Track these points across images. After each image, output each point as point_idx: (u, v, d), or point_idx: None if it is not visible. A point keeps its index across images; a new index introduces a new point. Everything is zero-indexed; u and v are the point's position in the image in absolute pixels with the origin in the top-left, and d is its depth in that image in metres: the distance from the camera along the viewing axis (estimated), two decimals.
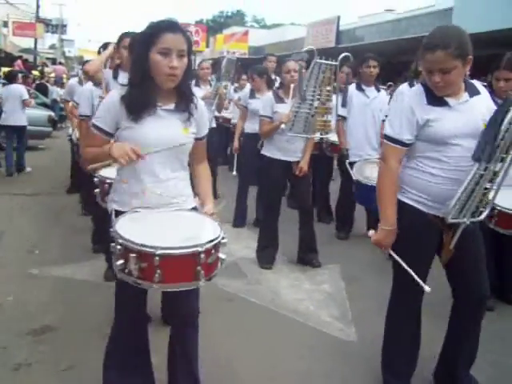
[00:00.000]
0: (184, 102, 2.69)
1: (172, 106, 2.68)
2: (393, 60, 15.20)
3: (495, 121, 2.70)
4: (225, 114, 9.32)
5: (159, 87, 2.61)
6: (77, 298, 4.42)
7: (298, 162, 5.25)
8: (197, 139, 2.79)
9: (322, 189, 7.29)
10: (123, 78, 4.54)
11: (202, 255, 2.33)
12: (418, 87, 2.97)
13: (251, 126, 6.94)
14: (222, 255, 2.46)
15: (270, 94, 5.39)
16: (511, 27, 12.28)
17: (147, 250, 2.29)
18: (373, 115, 6.18)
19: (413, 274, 2.95)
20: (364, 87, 6.23)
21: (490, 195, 2.90)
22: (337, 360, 3.69)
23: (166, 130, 2.64)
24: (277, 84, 6.79)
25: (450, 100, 2.86)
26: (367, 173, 5.82)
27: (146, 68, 2.56)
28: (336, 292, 4.86)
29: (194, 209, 2.81)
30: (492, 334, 3.75)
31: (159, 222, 2.59)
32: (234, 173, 7.31)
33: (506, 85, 4.18)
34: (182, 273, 2.35)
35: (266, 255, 5.39)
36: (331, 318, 4.32)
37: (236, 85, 9.90)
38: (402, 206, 3.02)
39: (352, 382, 3.44)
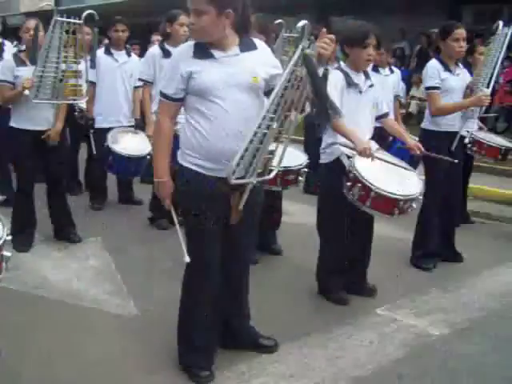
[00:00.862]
0: None
1: None
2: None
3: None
4: None
5: None
6: None
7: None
8: None
9: (70, 158, 6.85)
10: None
11: None
12: (190, 42, 2.93)
13: None
14: (6, 253, 2.11)
15: (10, 57, 4.85)
16: None
17: None
18: (123, 81, 5.98)
19: (181, 239, 2.94)
20: (113, 51, 5.98)
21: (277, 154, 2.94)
22: (126, 338, 3.51)
23: None
24: None
25: (216, 52, 2.83)
26: (122, 142, 5.63)
27: None
28: (104, 266, 4.62)
29: None
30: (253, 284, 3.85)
31: None
32: None
33: None
34: None
35: (24, 237, 4.88)
36: (107, 294, 4.10)
37: None
38: (182, 171, 2.94)
39: (148, 358, 3.28)
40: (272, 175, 2.99)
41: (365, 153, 3.69)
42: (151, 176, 5.90)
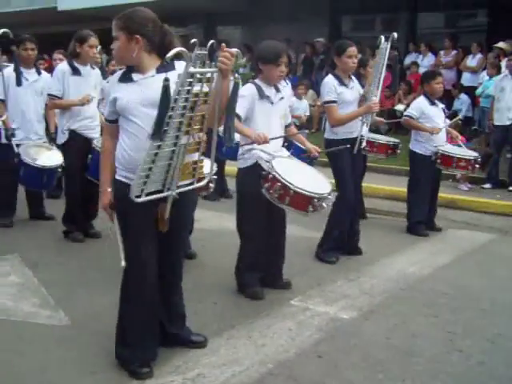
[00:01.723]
0: None
1: None
2: None
3: (162, 98, 2.87)
4: None
5: None
6: None
7: None
8: None
9: None
10: None
11: None
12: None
13: None
14: None
15: None
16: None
17: None
18: (34, 99, 6.10)
19: (121, 244, 3.24)
20: (22, 69, 6.03)
21: (206, 166, 3.23)
22: (63, 346, 3.66)
23: None
24: None
25: (135, 75, 3.15)
26: (33, 154, 5.74)
27: None
28: (27, 281, 4.70)
29: None
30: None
31: None
32: None
33: None
34: None
35: None
36: (35, 307, 4.21)
37: None
38: (115, 184, 3.23)
39: (88, 361, 3.45)
40: (203, 183, 3.29)
41: (260, 139, 4.11)
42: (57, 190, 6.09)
